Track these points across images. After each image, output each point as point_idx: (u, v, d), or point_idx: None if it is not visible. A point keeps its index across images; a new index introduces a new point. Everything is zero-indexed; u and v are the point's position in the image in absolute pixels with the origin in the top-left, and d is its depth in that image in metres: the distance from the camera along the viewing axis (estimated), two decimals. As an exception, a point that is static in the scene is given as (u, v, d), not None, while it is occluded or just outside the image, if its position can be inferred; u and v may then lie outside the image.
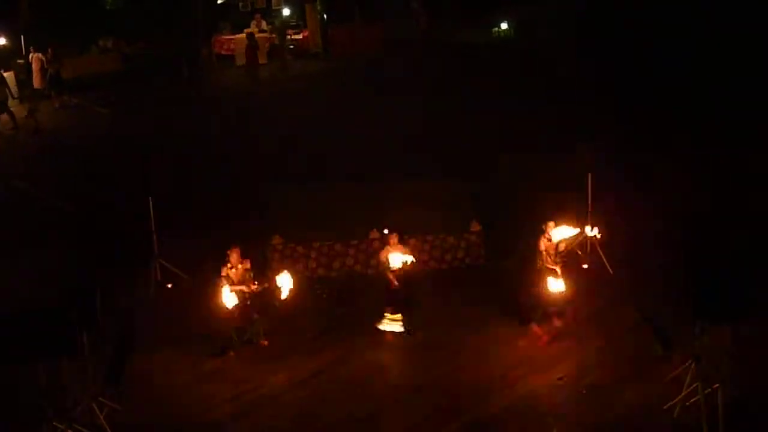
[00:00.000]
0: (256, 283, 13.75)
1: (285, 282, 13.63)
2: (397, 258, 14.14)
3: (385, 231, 15.05)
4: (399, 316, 14.26)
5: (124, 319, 14.06)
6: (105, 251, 16.80)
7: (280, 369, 13.47)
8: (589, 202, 15.77)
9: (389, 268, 14.19)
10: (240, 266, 13.71)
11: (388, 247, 14.33)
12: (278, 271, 13.89)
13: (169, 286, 15.73)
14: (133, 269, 16.02)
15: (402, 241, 14.51)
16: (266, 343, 14.03)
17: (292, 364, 13.59)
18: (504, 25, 34.34)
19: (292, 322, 14.56)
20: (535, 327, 14.05)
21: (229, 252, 13.76)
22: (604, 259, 15.67)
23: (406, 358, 13.85)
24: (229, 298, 13.45)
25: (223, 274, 13.67)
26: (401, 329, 14.27)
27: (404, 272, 14.18)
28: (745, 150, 20.71)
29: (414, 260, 14.26)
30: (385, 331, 14.25)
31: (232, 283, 13.61)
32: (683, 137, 21.88)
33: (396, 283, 14.21)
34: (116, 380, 12.32)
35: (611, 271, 15.62)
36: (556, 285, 13.79)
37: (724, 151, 20.73)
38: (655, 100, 24.54)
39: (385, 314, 14.30)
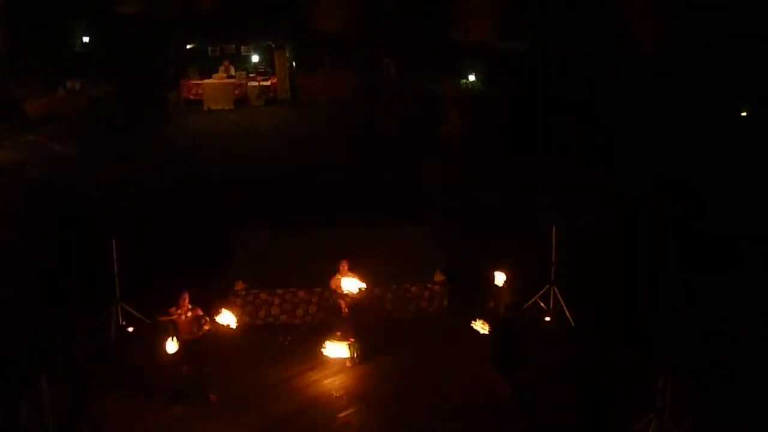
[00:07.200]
0: (205, 327, 13.47)
1: (228, 319, 13.45)
2: (351, 283, 14.44)
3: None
4: (345, 342, 14.50)
5: (83, 362, 13.89)
6: (66, 292, 16.56)
7: (241, 416, 13.33)
8: (554, 253, 15.87)
9: (341, 294, 14.55)
10: (190, 313, 13.41)
11: (338, 275, 14.62)
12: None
13: (130, 329, 15.56)
14: (94, 312, 15.82)
15: (353, 269, 14.69)
16: (215, 398, 13.67)
17: (252, 411, 13.45)
18: (472, 77, 34.87)
19: (250, 369, 14.54)
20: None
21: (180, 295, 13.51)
22: (566, 312, 15.74)
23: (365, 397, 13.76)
24: (170, 344, 13.09)
25: (171, 314, 13.35)
26: (347, 354, 14.44)
27: (355, 300, 14.52)
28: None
29: (365, 287, 14.54)
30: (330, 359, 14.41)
31: (176, 329, 13.33)
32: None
33: (346, 310, 14.58)
34: (74, 424, 12.15)
35: (572, 324, 15.68)
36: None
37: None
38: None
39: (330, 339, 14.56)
